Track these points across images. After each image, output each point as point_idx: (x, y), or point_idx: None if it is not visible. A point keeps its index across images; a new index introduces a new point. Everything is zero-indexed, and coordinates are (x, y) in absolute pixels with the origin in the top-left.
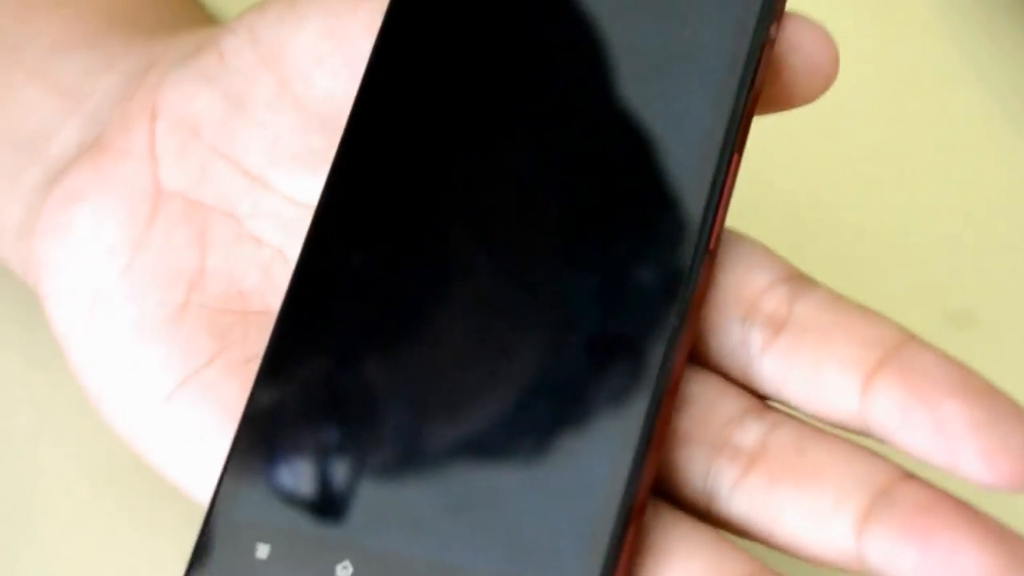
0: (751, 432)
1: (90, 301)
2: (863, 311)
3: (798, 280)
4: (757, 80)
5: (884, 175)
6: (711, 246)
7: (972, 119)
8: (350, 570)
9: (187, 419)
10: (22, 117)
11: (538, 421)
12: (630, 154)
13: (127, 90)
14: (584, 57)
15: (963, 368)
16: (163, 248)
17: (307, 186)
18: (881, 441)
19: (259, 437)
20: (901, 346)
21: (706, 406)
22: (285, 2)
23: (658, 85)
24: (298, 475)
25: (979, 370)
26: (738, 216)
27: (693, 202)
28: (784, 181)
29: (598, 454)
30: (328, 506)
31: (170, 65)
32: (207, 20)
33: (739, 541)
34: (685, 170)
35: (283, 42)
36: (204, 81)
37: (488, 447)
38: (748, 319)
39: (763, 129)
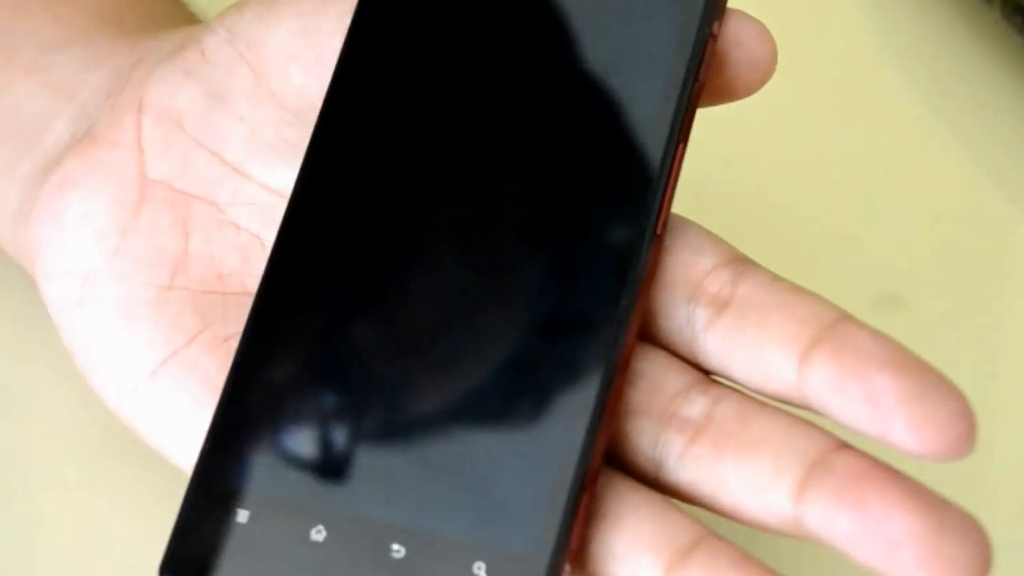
0: (697, 405)
1: (82, 281)
2: (801, 291)
3: (740, 263)
4: (701, 74)
5: (816, 166)
6: (659, 231)
7: (898, 112)
8: (324, 534)
9: (171, 392)
10: (18, 111)
11: (499, 395)
12: (583, 144)
13: (116, 85)
14: (539, 52)
15: (894, 344)
16: (149, 233)
17: (283, 175)
18: (818, 413)
19: (238, 409)
20: (836, 324)
21: (655, 381)
22: (262, 3)
23: (609, 78)
24: (275, 445)
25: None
26: (680, 205)
27: (642, 189)
28: (724, 173)
29: (555, 425)
30: (303, 474)
31: (155, 62)
32: (189, 19)
33: (685, 507)
34: (634, 159)
35: (260, 40)
36: (186, 77)
37: (452, 419)
38: (694, 299)
39: (704, 122)
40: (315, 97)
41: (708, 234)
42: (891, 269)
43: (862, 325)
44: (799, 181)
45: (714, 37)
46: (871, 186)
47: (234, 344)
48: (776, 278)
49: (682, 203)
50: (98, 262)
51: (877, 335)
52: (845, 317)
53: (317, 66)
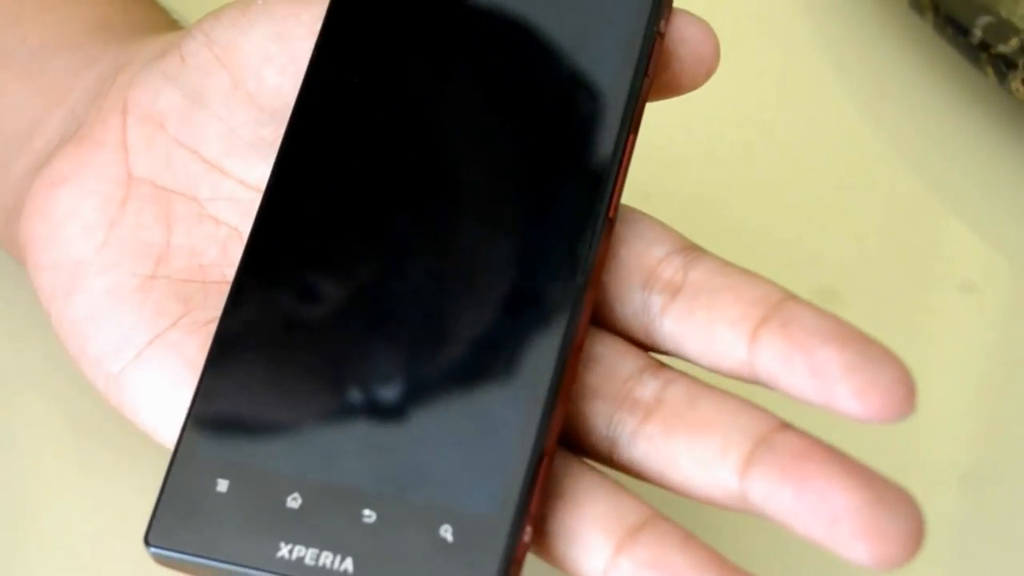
0: (649, 387)
1: (71, 273)
2: (748, 274)
3: (691, 250)
4: (649, 69)
5: (757, 168)
6: (611, 214)
7: (836, 116)
8: (300, 501)
9: (155, 372)
10: (11, 114)
11: (460, 374)
12: (540, 134)
13: (102, 89)
14: (497, 49)
15: (836, 319)
16: (134, 227)
17: (260, 171)
18: (768, 387)
19: (218, 386)
20: (782, 303)
21: (610, 364)
22: (238, 8)
23: (564, 73)
24: (252, 418)
25: None
26: (630, 203)
27: (595, 175)
28: (671, 174)
29: (515, 397)
30: (279, 445)
31: (139, 66)
32: (172, 25)
33: (637, 484)
34: (588, 148)
35: (235, 44)
36: (167, 80)
37: (419, 393)
38: (648, 286)
39: (654, 126)
40: (290, 97)
41: (660, 224)
42: (827, 264)
43: (807, 304)
44: (742, 181)
45: (661, 35)
46: (809, 186)
47: (214, 326)
48: (725, 262)
49: (632, 202)
50: (86, 254)
51: (821, 312)
52: (791, 297)
53: (291, 67)
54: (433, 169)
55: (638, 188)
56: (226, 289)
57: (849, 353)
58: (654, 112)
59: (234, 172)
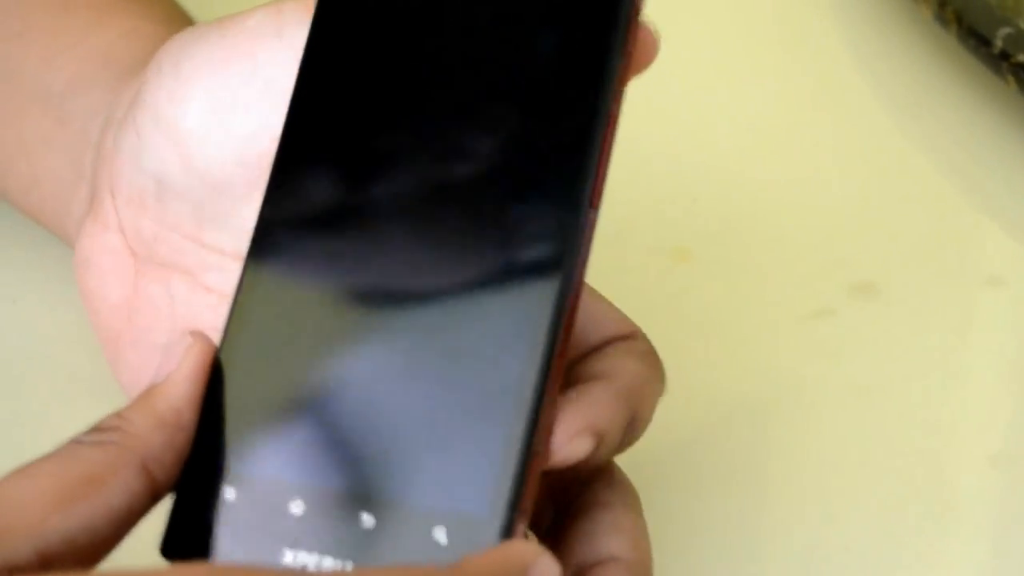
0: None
1: (113, 344)
2: None
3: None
4: (628, 45)
5: (797, 172)
6: (595, 203)
7: (868, 118)
8: (303, 507)
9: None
10: (60, 164)
11: (452, 375)
12: (522, 110)
13: (100, 149)
14: (486, 35)
15: None
16: (147, 304)
17: (230, 241)
18: None
19: (224, 401)
20: None
21: None
22: (173, 74)
23: (542, 49)
24: (256, 430)
25: (882, 335)
26: (677, 206)
27: (578, 161)
28: (716, 175)
29: (504, 400)
30: (282, 454)
31: (115, 131)
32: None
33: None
34: (571, 124)
35: (177, 123)
36: (134, 163)
37: (414, 400)
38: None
39: (700, 129)
40: (234, 168)
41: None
42: (864, 261)
43: None
44: (785, 185)
45: (638, 11)
46: (846, 188)
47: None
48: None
49: (679, 205)
50: (119, 330)
51: None
52: None
53: (229, 141)
54: (430, 148)
55: (686, 192)
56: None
57: None
58: (693, 119)
59: (211, 243)
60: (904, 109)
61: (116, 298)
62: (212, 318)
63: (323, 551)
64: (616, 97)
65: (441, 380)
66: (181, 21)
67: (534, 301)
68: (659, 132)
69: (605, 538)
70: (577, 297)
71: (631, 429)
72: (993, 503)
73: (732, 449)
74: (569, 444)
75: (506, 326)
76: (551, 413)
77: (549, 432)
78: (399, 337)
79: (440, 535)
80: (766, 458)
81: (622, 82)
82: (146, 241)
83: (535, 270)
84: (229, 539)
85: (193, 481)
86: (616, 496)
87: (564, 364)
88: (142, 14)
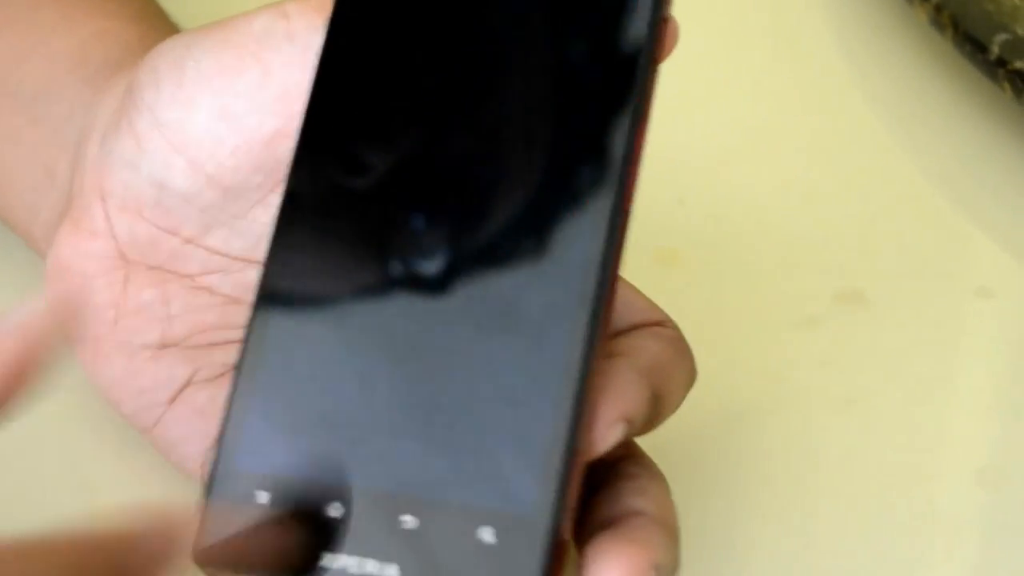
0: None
1: (93, 348)
2: None
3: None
4: (657, 53)
5: (784, 177)
6: (626, 205)
7: (859, 124)
8: (340, 510)
9: (176, 426)
10: (30, 164)
11: (493, 374)
12: (554, 118)
13: (79, 152)
14: (503, 38)
15: None
16: (136, 306)
17: (238, 243)
18: None
19: (249, 400)
20: None
21: None
22: (174, 78)
23: (575, 58)
24: (288, 429)
25: (869, 344)
26: (664, 208)
27: (610, 164)
28: (699, 179)
29: (548, 397)
30: (317, 455)
31: (101, 136)
32: (143, 38)
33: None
34: (603, 134)
35: (184, 127)
36: (131, 169)
37: (455, 396)
38: None
39: (687, 132)
40: (250, 172)
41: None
42: (851, 270)
43: None
44: (773, 192)
45: (666, 20)
46: (835, 195)
47: (221, 380)
48: None
49: (666, 207)
50: (102, 333)
51: None
52: None
53: (244, 146)
54: (444, 163)
55: (671, 193)
56: (229, 348)
57: None
58: (684, 120)
59: (217, 247)
60: (897, 115)
61: (100, 301)
62: (215, 319)
63: (365, 553)
64: (648, 98)
65: (483, 377)
66: (154, 18)
67: (576, 297)
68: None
69: (629, 498)
70: (615, 290)
71: (655, 409)
72: (979, 517)
73: (715, 456)
74: (605, 436)
75: (549, 324)
76: (593, 408)
77: (591, 426)
78: (440, 335)
79: (487, 535)
80: (749, 466)
81: (652, 84)
82: (141, 245)
83: (576, 265)
84: (263, 544)
85: (223, 485)
86: (643, 470)
87: (605, 358)
88: (113, 12)
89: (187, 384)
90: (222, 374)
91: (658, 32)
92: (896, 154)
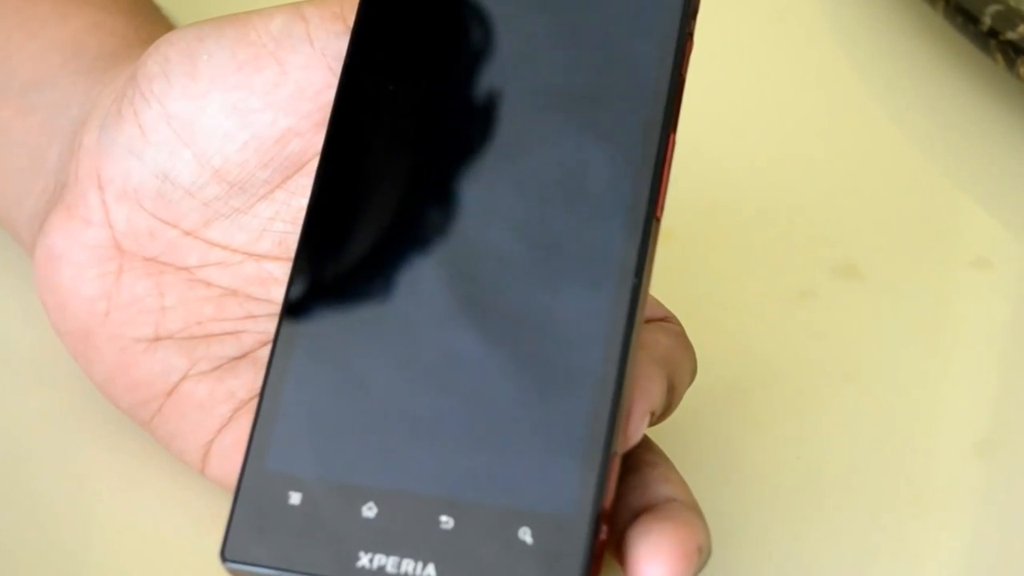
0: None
1: (83, 341)
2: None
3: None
4: (683, 69)
5: (777, 152)
6: (658, 214)
7: (851, 98)
8: (375, 510)
9: (175, 419)
10: (15, 154)
11: (529, 376)
12: (583, 136)
13: (74, 142)
14: (532, 53)
15: None
16: (130, 297)
17: (240, 237)
18: None
19: (282, 398)
20: None
21: None
22: (185, 70)
23: (604, 74)
24: (322, 428)
25: (866, 317)
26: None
27: (640, 175)
28: (694, 157)
29: (584, 396)
30: (351, 454)
31: (99, 126)
32: (139, 30)
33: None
34: (631, 148)
35: (193, 120)
36: (133, 158)
37: (485, 399)
38: None
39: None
40: (256, 168)
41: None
42: (846, 243)
43: None
44: (767, 167)
45: (691, 35)
46: (829, 170)
47: (220, 371)
48: None
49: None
50: (93, 325)
51: None
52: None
53: (253, 142)
54: (466, 173)
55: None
56: (227, 339)
57: None
58: (684, 96)
59: (217, 240)
60: (889, 88)
61: (91, 293)
62: (212, 312)
63: (402, 553)
64: (675, 115)
65: (520, 377)
66: (149, 12)
67: (614, 298)
68: None
69: (657, 486)
70: (647, 292)
71: (669, 400)
72: (977, 489)
73: (711, 430)
74: (639, 428)
75: (585, 324)
76: (629, 402)
77: (627, 421)
78: (478, 335)
79: (525, 535)
80: (746, 440)
81: (678, 101)
82: (138, 236)
83: (615, 265)
84: (296, 543)
85: (252, 483)
86: (660, 457)
87: (639, 358)
88: (107, 6)
89: (185, 376)
90: (221, 366)
91: (685, 50)
92: (888, 127)
